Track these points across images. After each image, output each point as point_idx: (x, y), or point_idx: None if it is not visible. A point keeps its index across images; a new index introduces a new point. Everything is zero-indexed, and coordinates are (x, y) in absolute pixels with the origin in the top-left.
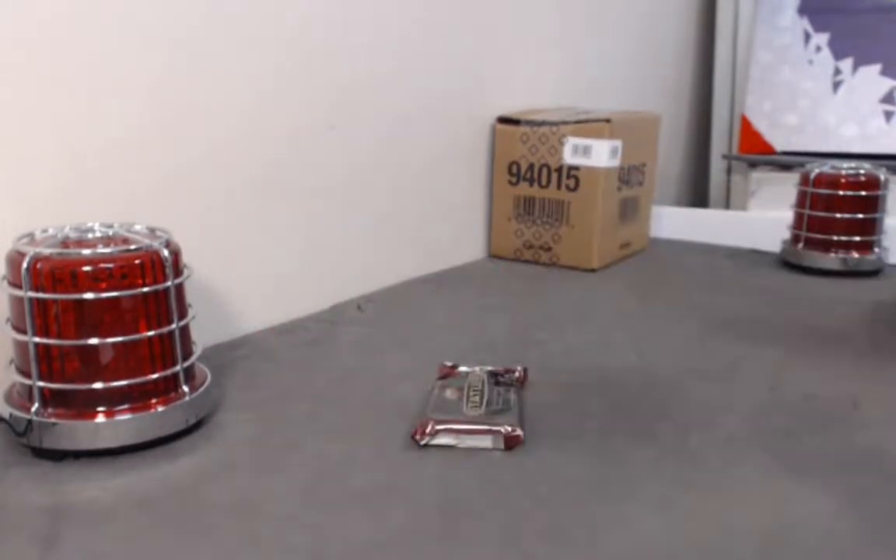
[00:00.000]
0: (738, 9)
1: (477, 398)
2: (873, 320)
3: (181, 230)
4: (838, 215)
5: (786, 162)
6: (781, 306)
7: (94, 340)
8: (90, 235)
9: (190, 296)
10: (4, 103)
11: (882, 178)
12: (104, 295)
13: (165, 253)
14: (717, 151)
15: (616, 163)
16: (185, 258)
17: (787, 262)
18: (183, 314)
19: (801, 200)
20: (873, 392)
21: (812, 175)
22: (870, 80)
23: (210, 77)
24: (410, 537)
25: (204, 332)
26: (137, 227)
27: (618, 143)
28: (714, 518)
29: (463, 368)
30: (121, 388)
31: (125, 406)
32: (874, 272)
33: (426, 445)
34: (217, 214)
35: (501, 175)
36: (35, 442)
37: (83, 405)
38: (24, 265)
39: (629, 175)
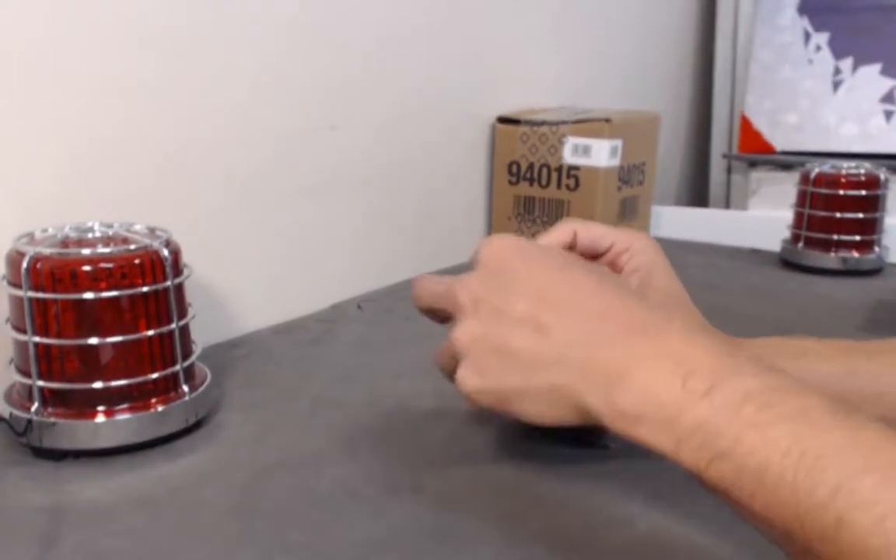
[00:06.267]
0: (738, 8)
1: None
2: (873, 319)
3: (181, 229)
4: (838, 215)
5: (786, 161)
6: (781, 305)
7: (93, 340)
8: (90, 235)
9: (190, 295)
10: (4, 103)
11: (882, 177)
12: (104, 295)
13: (165, 252)
14: (717, 151)
15: (616, 162)
16: (185, 257)
17: (787, 262)
18: (183, 314)
19: (801, 200)
20: None
21: (812, 174)
22: (870, 80)
23: (209, 76)
24: (411, 536)
25: (204, 331)
26: (137, 227)
27: (618, 142)
28: None
29: None
30: (120, 387)
31: (125, 405)
32: (874, 271)
33: None
34: (217, 213)
35: (501, 175)
36: (35, 441)
37: (83, 405)
38: (24, 265)
39: (629, 174)
